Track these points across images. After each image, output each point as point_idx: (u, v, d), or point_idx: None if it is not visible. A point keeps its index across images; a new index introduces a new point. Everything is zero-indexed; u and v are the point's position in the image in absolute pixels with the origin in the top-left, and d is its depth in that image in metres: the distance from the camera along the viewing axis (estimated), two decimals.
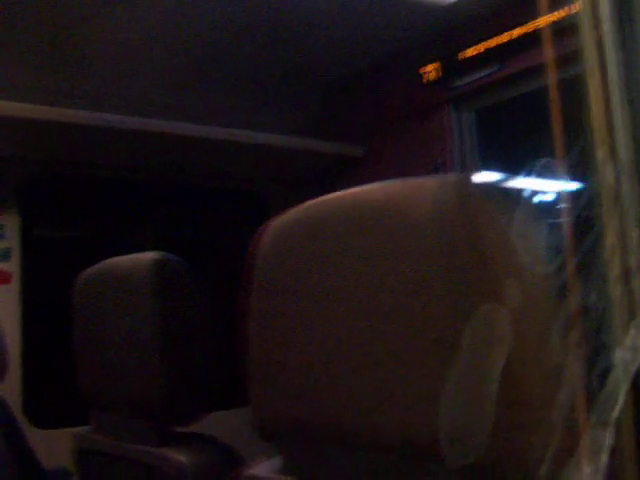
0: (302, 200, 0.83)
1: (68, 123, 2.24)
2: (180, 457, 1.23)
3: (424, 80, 2.66)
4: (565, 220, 0.59)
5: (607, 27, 0.52)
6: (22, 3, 2.07)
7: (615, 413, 0.45)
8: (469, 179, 0.72)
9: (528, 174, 0.62)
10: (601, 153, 0.51)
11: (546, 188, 0.64)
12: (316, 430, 0.78)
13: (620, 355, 0.46)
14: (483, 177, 2.64)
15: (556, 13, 0.60)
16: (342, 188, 0.79)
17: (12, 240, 2.46)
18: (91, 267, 1.46)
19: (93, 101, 2.41)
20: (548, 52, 0.60)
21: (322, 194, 0.81)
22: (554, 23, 0.59)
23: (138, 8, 2.18)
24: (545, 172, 0.59)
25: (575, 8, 0.58)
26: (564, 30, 0.57)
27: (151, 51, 2.44)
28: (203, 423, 1.30)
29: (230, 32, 2.39)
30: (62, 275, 1.69)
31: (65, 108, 2.24)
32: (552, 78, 0.58)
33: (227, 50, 2.51)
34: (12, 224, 2.46)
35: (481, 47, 2.45)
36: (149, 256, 1.30)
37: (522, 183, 0.68)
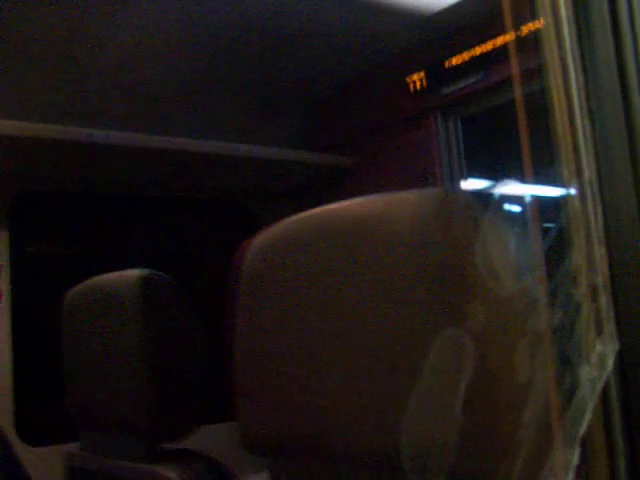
0: (291, 211, 0.83)
1: (58, 140, 2.24)
2: (170, 474, 1.23)
3: (411, 89, 2.67)
4: (540, 231, 0.60)
5: (568, 44, 0.53)
6: (20, 20, 2.07)
7: (582, 431, 0.46)
8: (450, 193, 0.72)
9: (511, 181, 0.62)
10: (566, 172, 0.52)
11: (527, 196, 0.65)
12: (303, 445, 0.79)
13: (586, 372, 0.46)
14: (469, 184, 2.65)
15: (523, 28, 0.61)
16: (331, 198, 0.79)
17: (2, 257, 2.46)
18: (78, 285, 1.46)
19: (82, 117, 2.41)
20: (514, 66, 0.60)
21: (311, 205, 0.81)
22: (521, 38, 0.60)
23: (133, 25, 2.19)
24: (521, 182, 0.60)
25: (540, 23, 0.58)
26: (532, 43, 0.57)
27: (140, 69, 2.44)
28: (193, 437, 1.30)
29: (217, 47, 2.39)
30: (53, 292, 1.69)
31: (54, 125, 2.24)
32: (518, 92, 0.58)
33: (214, 65, 2.52)
34: (2, 241, 2.46)
35: (466, 55, 2.47)
36: (136, 273, 1.30)
37: (506, 190, 0.68)
